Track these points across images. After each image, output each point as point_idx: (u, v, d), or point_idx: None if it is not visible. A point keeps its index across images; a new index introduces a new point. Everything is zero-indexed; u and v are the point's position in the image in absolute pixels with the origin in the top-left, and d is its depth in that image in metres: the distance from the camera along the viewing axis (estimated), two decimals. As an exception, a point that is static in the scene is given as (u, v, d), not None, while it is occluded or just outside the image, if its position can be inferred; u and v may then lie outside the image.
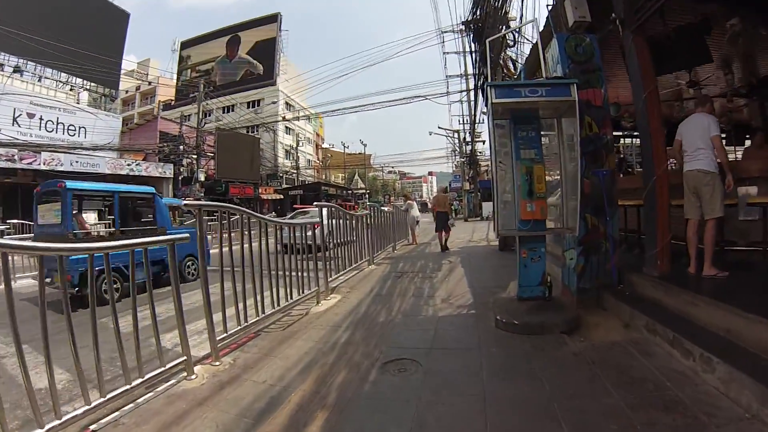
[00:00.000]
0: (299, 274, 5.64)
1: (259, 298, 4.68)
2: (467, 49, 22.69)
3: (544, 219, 4.74)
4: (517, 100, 4.44)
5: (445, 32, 23.21)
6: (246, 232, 4.77)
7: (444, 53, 26.99)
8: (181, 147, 28.39)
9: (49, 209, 7.44)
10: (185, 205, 3.82)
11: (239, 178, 32.94)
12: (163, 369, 3.38)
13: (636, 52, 5.02)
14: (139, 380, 3.15)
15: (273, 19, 46.32)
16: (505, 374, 3.35)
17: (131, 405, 3.07)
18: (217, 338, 3.98)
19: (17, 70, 27.42)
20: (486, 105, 5.16)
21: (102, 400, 2.84)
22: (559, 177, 5.12)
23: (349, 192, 53.06)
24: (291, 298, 5.37)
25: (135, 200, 8.28)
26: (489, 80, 8.98)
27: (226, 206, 4.33)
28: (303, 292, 5.68)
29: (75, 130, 27.32)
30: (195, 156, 29.00)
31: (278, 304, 5.04)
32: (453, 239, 13.23)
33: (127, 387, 3.04)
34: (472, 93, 26.41)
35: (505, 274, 7.21)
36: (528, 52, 8.68)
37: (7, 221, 15.54)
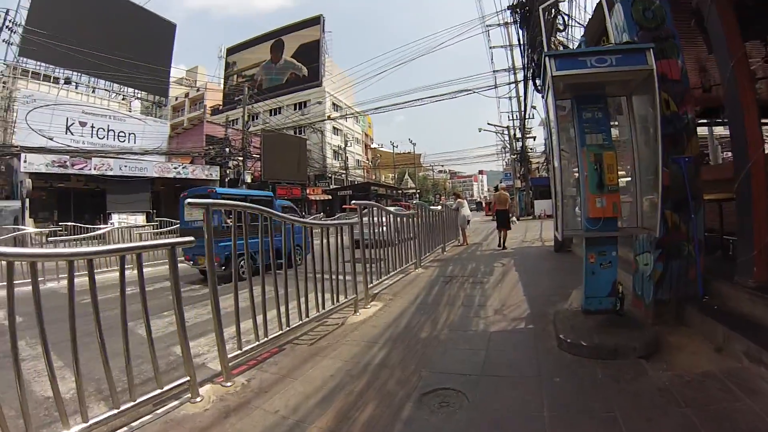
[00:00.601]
0: (336, 278, 5.15)
1: (283, 309, 4.21)
2: (513, 41, 21.69)
3: (616, 217, 3.99)
4: (583, 71, 3.72)
5: (490, 26, 22.24)
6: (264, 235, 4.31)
7: (490, 47, 25.78)
8: (227, 149, 28.77)
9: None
10: (188, 203, 3.31)
11: (286, 179, 33.14)
12: (160, 391, 2.95)
13: (719, 13, 4.20)
14: (130, 404, 2.75)
15: (316, 21, 46.63)
16: (572, 417, 2.66)
17: (124, 429, 2.69)
18: (229, 356, 3.54)
19: (68, 81, 28.79)
20: (542, 83, 4.44)
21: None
22: (630, 167, 4.35)
23: (399, 192, 52.58)
24: (323, 308, 4.87)
25: (259, 202, 9.12)
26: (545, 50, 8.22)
27: (240, 205, 3.86)
28: (338, 301, 5.17)
29: (125, 137, 28.49)
30: (241, 158, 29.35)
31: (307, 315, 4.56)
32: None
33: (118, 410, 2.67)
34: (521, 87, 25.23)
35: (564, 279, 6.47)
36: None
37: (60, 223, 16.13)
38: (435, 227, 10.49)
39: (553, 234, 9.95)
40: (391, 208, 8.52)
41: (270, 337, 4.03)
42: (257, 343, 3.88)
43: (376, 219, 6.85)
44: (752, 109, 4.14)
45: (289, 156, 33.56)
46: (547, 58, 3.92)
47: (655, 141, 3.84)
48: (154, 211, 24.32)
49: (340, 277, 5.25)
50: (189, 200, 3.30)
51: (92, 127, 27.03)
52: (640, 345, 3.54)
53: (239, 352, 3.67)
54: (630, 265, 4.86)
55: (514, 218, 12.13)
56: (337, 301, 5.17)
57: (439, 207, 12.34)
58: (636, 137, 4.33)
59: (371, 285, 6.05)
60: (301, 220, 5.38)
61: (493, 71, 31.86)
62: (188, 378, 3.12)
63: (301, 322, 4.47)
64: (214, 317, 3.41)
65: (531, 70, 11.30)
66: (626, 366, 3.32)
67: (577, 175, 4.37)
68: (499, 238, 11.43)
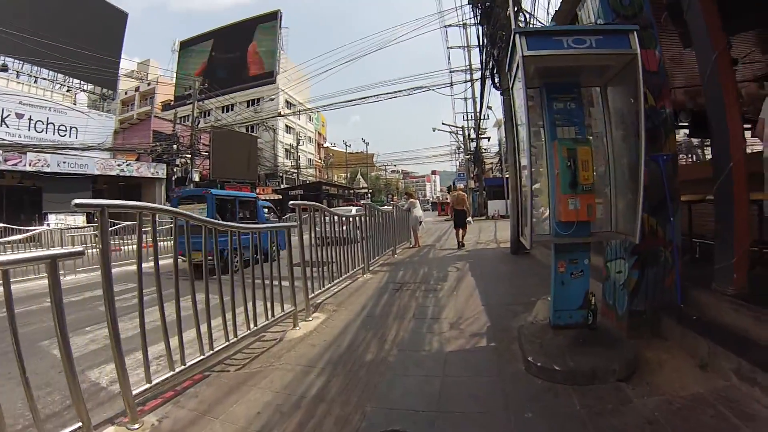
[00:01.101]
0: (271, 287, 4.48)
1: (205, 328, 3.47)
2: (471, 43, 21.47)
3: (590, 220, 3.50)
4: (558, 52, 3.18)
5: (448, 26, 21.95)
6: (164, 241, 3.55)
7: (448, 47, 25.50)
8: (175, 146, 27.13)
9: (193, 208, 9.82)
10: (76, 205, 2.52)
11: (235, 177, 31.73)
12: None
13: (700, 4, 3.83)
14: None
15: (273, 16, 45.30)
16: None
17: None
18: (135, 391, 2.78)
19: (3, 68, 26.21)
20: (508, 67, 3.89)
21: None
22: (603, 165, 3.88)
23: (351, 191, 51.83)
24: (254, 324, 4.15)
25: (244, 202, 11.32)
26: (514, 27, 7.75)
27: (139, 205, 3.09)
28: (272, 315, 4.46)
29: (66, 131, 26.25)
30: (189, 155, 27.77)
31: (235, 335, 3.84)
32: None
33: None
34: (478, 86, 25.12)
35: (524, 285, 6.03)
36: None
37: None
38: (385, 229, 9.86)
39: (510, 235, 9.57)
40: (352, 209, 7.92)
41: (188, 364, 3.30)
42: (171, 373, 3.14)
43: (319, 221, 6.19)
44: (734, 105, 3.77)
45: (239, 154, 32.16)
46: (517, 36, 3.35)
47: (635, 136, 3.37)
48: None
49: (281, 283, 4.60)
50: (77, 201, 2.54)
51: (30, 119, 24.59)
52: (620, 366, 3.06)
53: (147, 386, 2.92)
54: (599, 272, 4.41)
55: (469, 218, 12.25)
56: (272, 315, 4.45)
57: (390, 207, 11.73)
58: (611, 132, 3.86)
59: (313, 294, 5.36)
60: (220, 223, 4.62)
61: (450, 70, 31.52)
62: (80, 424, 2.36)
63: (228, 343, 3.74)
64: (112, 342, 2.65)
65: (490, 68, 10.91)
66: (606, 392, 2.84)
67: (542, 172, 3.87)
68: (457, 237, 11.60)
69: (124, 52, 34.44)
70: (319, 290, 5.68)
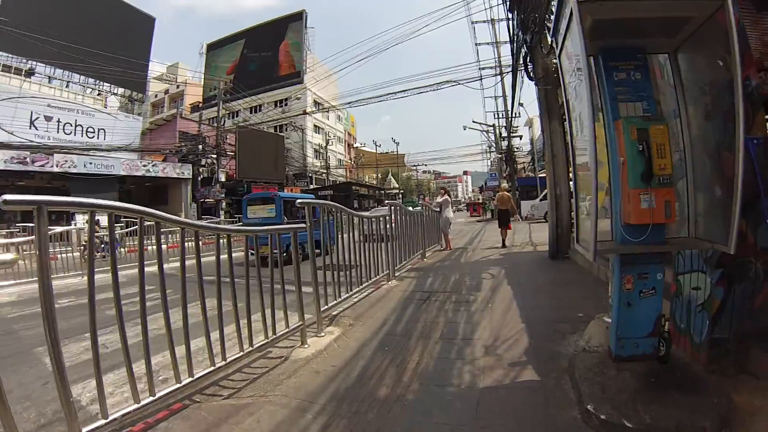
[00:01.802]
0: (283, 295, 3.91)
1: (180, 352, 2.88)
2: (500, 39, 20.53)
3: (668, 222, 2.72)
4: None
5: (475, 22, 21.05)
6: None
7: (476, 44, 24.50)
8: (200, 146, 27.07)
9: (263, 208, 11.90)
10: (4, 202, 1.94)
11: (262, 178, 31.53)
12: None
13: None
14: None
15: (298, 17, 45.14)
16: None
17: None
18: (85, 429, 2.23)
19: (30, 73, 26.76)
20: (557, 28, 3.11)
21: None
22: (678, 154, 3.08)
23: (382, 192, 51.20)
24: (250, 344, 3.54)
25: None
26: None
27: (91, 203, 2.52)
28: (274, 333, 3.84)
29: (94, 132, 26.79)
30: (215, 155, 27.68)
31: (223, 358, 3.25)
32: (493, 244, 12.07)
33: None
34: (508, 83, 24.13)
35: (569, 297, 5.26)
36: None
37: (18, 224, 14.86)
38: (413, 231, 9.15)
39: (548, 237, 8.71)
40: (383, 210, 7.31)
41: (158, 395, 2.73)
42: (134, 407, 2.56)
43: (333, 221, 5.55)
44: None
45: (265, 154, 31.90)
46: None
47: (720, 114, 2.59)
48: (121, 211, 22.23)
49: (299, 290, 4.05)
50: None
51: (58, 121, 25.34)
52: (713, 423, 2.28)
53: (101, 423, 2.35)
54: (666, 287, 3.60)
55: (517, 217, 12.44)
56: (274, 333, 3.84)
57: (419, 208, 10.97)
58: (686, 110, 3.07)
59: (326, 306, 4.72)
60: (215, 226, 4.07)
61: (479, 67, 30.55)
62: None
63: (210, 369, 3.15)
64: (55, 371, 2.11)
65: (523, 56, 10.04)
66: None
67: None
68: (502, 236, 11.52)
69: (155, 56, 34.92)
70: (335, 301, 5.03)
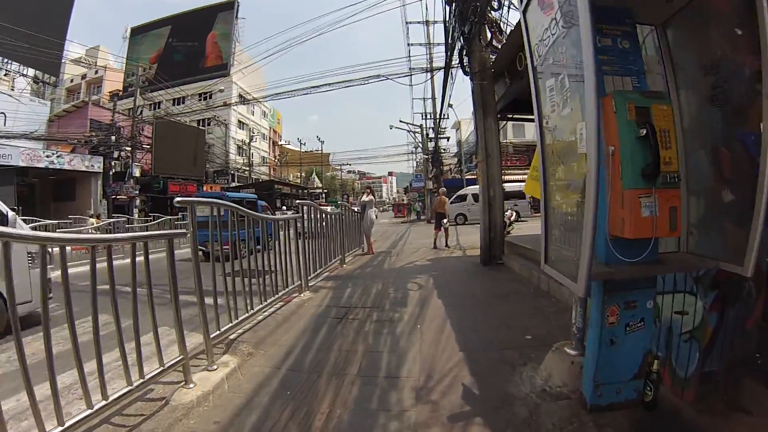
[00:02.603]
0: (153, 321, 2.91)
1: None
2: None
3: (674, 236, 2.03)
4: None
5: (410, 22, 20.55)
6: None
7: (406, 23, 23.86)
8: (113, 137, 24.27)
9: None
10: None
11: (180, 173, 29.13)
12: None
13: None
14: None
15: (229, 6, 42.57)
16: None
17: None
18: None
19: None
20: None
21: None
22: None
23: (305, 191, 49.65)
24: (105, 395, 2.46)
25: (250, 202, 12.76)
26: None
27: None
28: (142, 376, 2.77)
29: (-10, 116, 22.97)
30: (129, 148, 24.96)
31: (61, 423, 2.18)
32: (419, 247, 12.01)
33: None
34: (438, 82, 23.97)
35: (512, 314, 4.62)
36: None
37: None
38: (331, 234, 8.20)
39: (481, 242, 8.12)
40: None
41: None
42: None
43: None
44: None
45: (184, 148, 29.49)
46: None
47: (715, 101, 1.96)
48: (19, 208, 18.11)
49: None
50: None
51: None
52: None
53: None
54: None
55: (446, 222, 11.74)
56: (140, 375, 2.77)
57: (337, 210, 10.00)
58: (677, 96, 2.42)
59: (217, 332, 3.69)
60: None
61: (410, 62, 30.07)
62: None
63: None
64: None
65: (458, 50, 9.43)
66: None
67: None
68: (444, 238, 11.78)
69: (74, 38, 31.29)
70: (231, 323, 3.99)
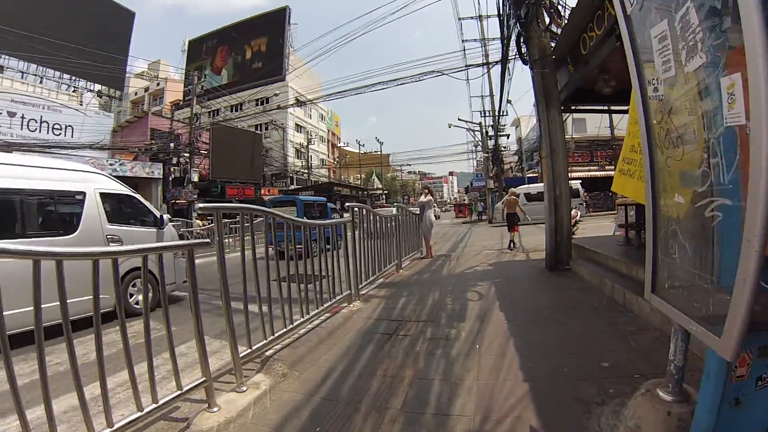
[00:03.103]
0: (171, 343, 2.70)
1: None
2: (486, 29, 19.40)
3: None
4: None
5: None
6: None
7: (459, 18, 23.11)
8: (172, 144, 25.32)
9: (286, 210, 11.76)
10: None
11: (237, 177, 29.91)
12: None
13: None
14: None
15: (281, 13, 43.60)
16: None
17: None
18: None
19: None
20: None
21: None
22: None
23: (365, 192, 49.78)
24: (110, 424, 2.19)
25: (321, 205, 14.74)
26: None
27: None
28: (152, 402, 2.49)
29: (60, 129, 24.78)
30: (188, 154, 25.96)
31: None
32: (479, 251, 11.42)
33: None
34: (496, 78, 23.01)
35: (583, 331, 4.02)
36: None
37: None
38: (385, 239, 7.73)
39: (546, 244, 7.41)
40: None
41: None
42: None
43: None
44: None
45: (241, 152, 30.28)
46: None
47: None
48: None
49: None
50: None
51: (22, 117, 23.22)
52: None
53: None
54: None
55: (520, 220, 11.70)
56: (153, 400, 2.50)
57: (393, 210, 9.59)
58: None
59: (248, 350, 3.38)
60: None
61: (465, 59, 29.11)
62: None
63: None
64: None
65: (515, 37, 8.76)
66: None
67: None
68: (510, 239, 11.58)
69: (140, 54, 33.80)
70: (264, 341, 3.68)
